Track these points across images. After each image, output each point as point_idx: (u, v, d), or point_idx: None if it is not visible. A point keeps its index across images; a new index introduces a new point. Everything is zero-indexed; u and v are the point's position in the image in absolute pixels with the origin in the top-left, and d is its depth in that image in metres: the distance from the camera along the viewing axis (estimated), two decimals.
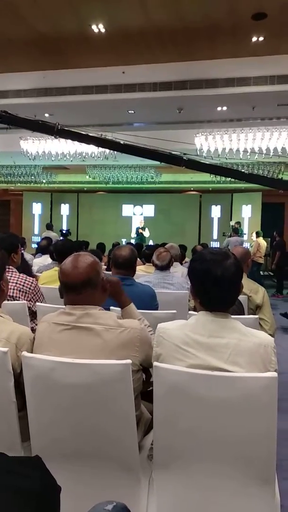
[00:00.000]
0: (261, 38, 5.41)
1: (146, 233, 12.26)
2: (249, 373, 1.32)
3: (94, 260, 1.55)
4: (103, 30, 5.33)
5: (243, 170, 6.62)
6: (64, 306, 1.56)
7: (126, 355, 1.42)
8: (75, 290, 1.50)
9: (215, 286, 1.37)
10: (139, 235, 12.21)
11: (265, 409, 1.32)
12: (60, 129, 3.67)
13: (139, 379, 1.49)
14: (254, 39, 5.43)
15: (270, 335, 1.70)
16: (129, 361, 1.37)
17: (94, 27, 5.27)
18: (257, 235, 10.48)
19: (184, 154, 4.00)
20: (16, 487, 0.69)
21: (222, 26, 5.15)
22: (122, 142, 3.86)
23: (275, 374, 1.30)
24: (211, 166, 4.80)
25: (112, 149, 5.36)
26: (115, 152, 8.16)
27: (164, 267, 3.26)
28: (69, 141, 8.47)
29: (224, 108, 6.87)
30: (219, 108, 6.90)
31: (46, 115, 7.44)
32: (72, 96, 6.46)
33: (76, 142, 8.31)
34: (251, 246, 10.34)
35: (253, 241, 10.54)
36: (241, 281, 1.44)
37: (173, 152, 4.42)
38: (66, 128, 4.15)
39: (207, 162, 5.13)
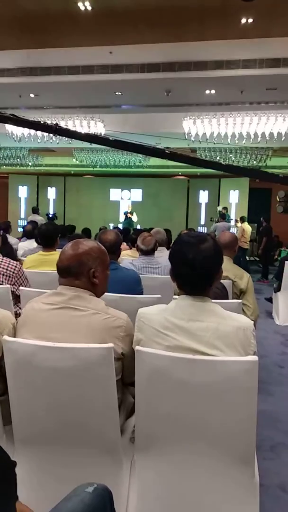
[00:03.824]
0: (250, 20, 5.32)
1: (134, 218, 12.20)
2: (229, 356, 1.33)
3: (85, 251, 1.54)
4: (89, 8, 5.17)
5: (221, 161, 6.90)
6: (46, 290, 1.56)
7: (108, 341, 1.42)
8: (60, 274, 1.54)
9: (187, 268, 1.39)
10: (127, 220, 12.15)
11: (246, 392, 1.33)
12: (58, 129, 3.98)
13: (119, 366, 1.49)
14: (243, 20, 5.33)
15: (252, 320, 1.72)
16: (111, 344, 1.37)
17: (80, 4, 5.11)
18: (242, 220, 10.51)
19: (167, 147, 4.22)
20: None
21: (211, 7, 5.04)
22: (111, 138, 4.17)
23: (255, 357, 1.31)
24: (191, 158, 5.16)
25: (103, 144, 5.74)
26: (103, 134, 8.06)
27: (148, 252, 3.25)
28: (55, 122, 8.31)
29: (213, 91, 6.79)
30: (207, 91, 6.82)
31: (31, 95, 7.27)
32: (58, 77, 6.29)
33: (62, 123, 8.19)
34: (237, 232, 10.38)
35: (238, 226, 10.58)
36: (218, 266, 1.43)
37: (158, 146, 4.57)
38: (63, 127, 4.49)
39: (188, 155, 5.42)
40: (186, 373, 1.33)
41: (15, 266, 2.63)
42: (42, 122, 4.77)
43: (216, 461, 1.41)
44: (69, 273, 1.52)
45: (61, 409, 1.45)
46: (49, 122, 8.29)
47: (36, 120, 5.04)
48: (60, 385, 1.42)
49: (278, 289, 5.70)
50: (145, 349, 1.37)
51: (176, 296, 1.65)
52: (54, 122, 4.23)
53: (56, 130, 4.02)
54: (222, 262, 1.44)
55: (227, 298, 2.55)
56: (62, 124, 8.10)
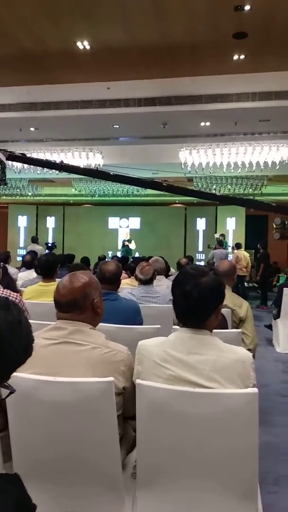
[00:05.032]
0: (242, 56, 5.56)
1: (132, 246, 12.28)
2: (229, 389, 1.33)
3: (86, 282, 1.54)
4: (88, 47, 5.41)
5: (217, 191, 7.74)
6: (45, 322, 1.56)
7: (109, 375, 1.41)
8: (61, 309, 1.52)
9: (183, 300, 1.40)
10: (125, 248, 12.23)
11: (247, 424, 1.33)
12: (63, 165, 4.39)
13: (120, 401, 1.48)
14: (235, 57, 5.58)
15: (250, 349, 1.72)
16: (111, 378, 1.37)
17: (79, 43, 5.34)
18: (237, 247, 10.42)
19: (165, 180, 4.55)
20: None
21: (204, 44, 5.28)
22: (111, 173, 4.46)
23: (255, 390, 1.32)
24: (187, 190, 5.56)
25: (103, 178, 6.16)
26: (101, 165, 8.24)
27: (147, 281, 3.27)
28: (54, 154, 8.53)
29: (208, 123, 7.01)
30: (202, 124, 7.03)
31: (32, 129, 7.48)
32: (57, 111, 6.51)
33: (61, 155, 8.41)
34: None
35: (234, 253, 10.57)
36: (215, 300, 1.43)
37: (155, 178, 4.79)
38: (68, 164, 4.85)
39: (184, 187, 5.80)
40: (187, 406, 1.33)
41: (15, 298, 2.64)
42: (48, 160, 5.10)
43: (219, 496, 1.38)
44: (74, 307, 1.50)
45: (61, 444, 1.44)
46: (49, 154, 8.60)
47: (40, 156, 5.40)
48: (60, 420, 1.41)
49: (277, 316, 5.69)
50: (145, 383, 1.37)
51: (176, 327, 1.66)
52: (60, 160, 4.58)
53: (61, 167, 4.34)
54: (222, 297, 1.44)
55: (227, 327, 2.55)
56: (62, 156, 8.32)
